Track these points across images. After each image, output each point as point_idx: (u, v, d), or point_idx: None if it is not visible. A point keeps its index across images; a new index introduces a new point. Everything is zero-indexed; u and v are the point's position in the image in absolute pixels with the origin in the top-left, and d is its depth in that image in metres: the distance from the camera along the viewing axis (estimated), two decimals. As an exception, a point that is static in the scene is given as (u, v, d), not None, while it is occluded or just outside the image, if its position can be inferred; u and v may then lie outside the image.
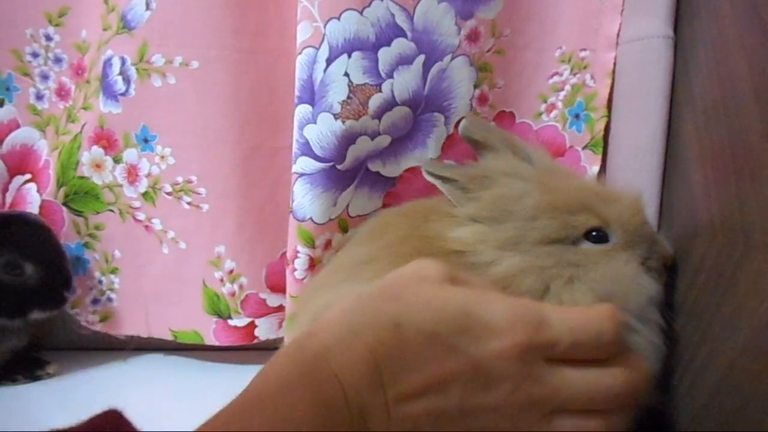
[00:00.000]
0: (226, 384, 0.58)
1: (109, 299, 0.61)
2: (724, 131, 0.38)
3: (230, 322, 0.59)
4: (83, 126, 0.58)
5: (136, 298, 0.61)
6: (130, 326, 0.61)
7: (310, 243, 0.52)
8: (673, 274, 0.42)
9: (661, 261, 0.41)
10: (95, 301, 0.61)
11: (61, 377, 0.60)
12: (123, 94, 0.56)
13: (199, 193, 0.57)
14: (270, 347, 0.54)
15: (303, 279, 0.53)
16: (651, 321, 0.39)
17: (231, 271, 0.58)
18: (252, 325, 0.59)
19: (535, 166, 0.43)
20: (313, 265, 0.53)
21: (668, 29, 0.49)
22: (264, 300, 0.59)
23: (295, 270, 0.53)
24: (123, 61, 0.55)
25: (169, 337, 0.60)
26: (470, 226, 0.41)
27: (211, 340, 0.59)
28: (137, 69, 0.55)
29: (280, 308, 0.60)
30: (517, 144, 0.45)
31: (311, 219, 0.51)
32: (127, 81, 0.55)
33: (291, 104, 0.53)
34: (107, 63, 0.56)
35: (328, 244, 0.53)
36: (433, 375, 0.31)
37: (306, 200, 0.51)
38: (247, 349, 0.62)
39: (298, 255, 0.53)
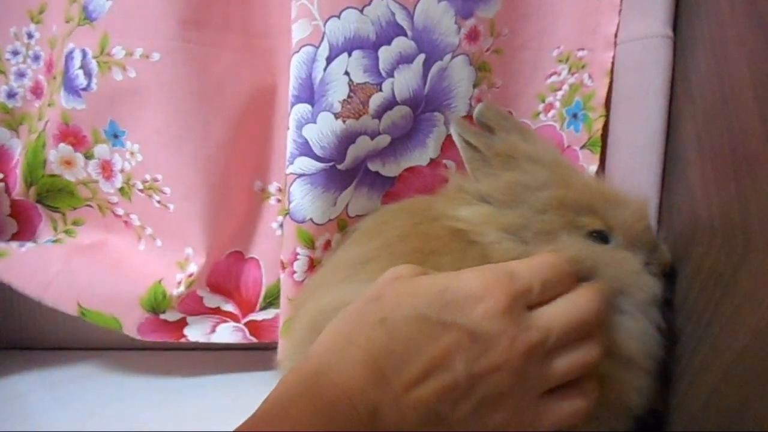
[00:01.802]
0: (225, 382, 0.59)
1: (21, 245, 0.57)
2: (724, 131, 0.38)
3: (161, 316, 0.56)
4: (46, 123, 0.57)
5: (52, 260, 0.56)
6: (21, 279, 0.56)
7: (310, 244, 0.52)
8: (670, 281, 0.42)
9: (660, 267, 0.41)
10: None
11: (60, 377, 0.60)
12: (85, 89, 0.54)
13: (165, 192, 0.55)
14: (269, 347, 0.54)
15: (302, 281, 0.53)
16: (651, 318, 0.39)
17: (190, 275, 0.56)
18: (182, 322, 0.57)
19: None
20: (312, 266, 0.52)
21: (667, 29, 0.49)
22: (201, 298, 0.57)
23: (294, 272, 0.52)
24: (84, 54, 0.53)
25: (73, 311, 0.55)
26: (477, 207, 0.41)
27: (131, 332, 0.56)
28: (98, 62, 0.53)
29: (217, 311, 0.58)
30: (532, 135, 0.45)
31: (311, 220, 0.51)
32: (88, 75, 0.53)
33: (255, 102, 0.51)
34: (69, 56, 0.54)
35: (327, 245, 0.53)
36: (433, 354, 0.32)
37: (306, 201, 0.50)
38: (244, 349, 0.62)
39: (298, 257, 0.52)
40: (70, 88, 0.54)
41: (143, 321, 0.56)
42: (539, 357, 0.34)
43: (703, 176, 0.41)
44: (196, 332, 0.57)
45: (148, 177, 0.55)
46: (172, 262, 0.56)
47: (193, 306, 0.57)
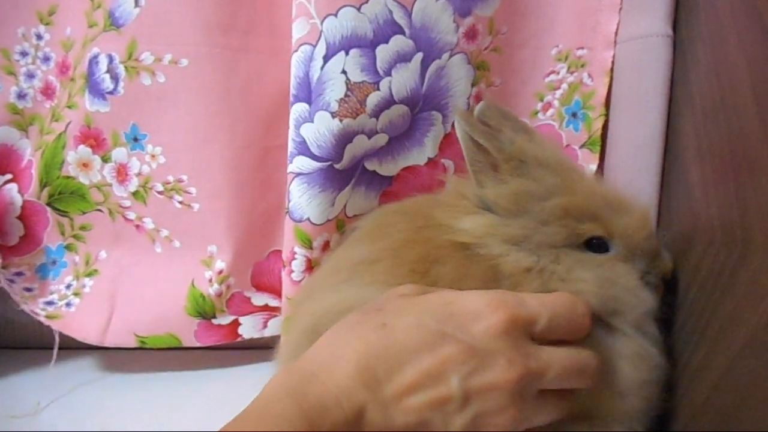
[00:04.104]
0: (219, 384, 0.59)
1: (68, 304, 0.59)
2: (723, 130, 0.38)
3: (214, 321, 0.58)
4: (68, 125, 0.57)
5: (100, 304, 0.59)
6: (80, 332, 0.58)
7: (308, 244, 0.52)
8: (672, 289, 0.41)
9: (660, 276, 0.41)
10: (49, 303, 0.60)
11: (60, 377, 0.60)
12: (111, 93, 0.55)
13: (189, 193, 0.56)
14: (265, 346, 0.54)
15: (300, 281, 0.53)
16: (648, 333, 0.39)
17: (220, 272, 0.57)
18: (236, 323, 0.59)
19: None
20: (310, 266, 0.52)
21: (667, 28, 0.49)
22: (249, 298, 0.59)
23: (291, 272, 0.53)
24: (110, 59, 0.54)
25: (133, 344, 0.58)
26: (480, 216, 0.40)
27: (191, 341, 0.58)
28: (126, 67, 0.54)
29: (266, 307, 0.59)
30: (536, 135, 0.43)
31: (308, 219, 0.51)
32: (115, 79, 0.54)
33: (282, 103, 0.52)
34: (93, 61, 0.55)
35: (326, 246, 0.53)
36: (429, 364, 0.32)
37: (303, 200, 0.50)
38: (240, 348, 0.62)
39: (295, 256, 0.52)
40: (96, 91, 0.55)
41: (197, 328, 0.58)
42: (533, 388, 0.34)
43: (703, 176, 0.40)
44: (249, 330, 0.59)
45: (171, 178, 0.56)
46: (197, 261, 0.58)
47: (242, 307, 0.59)
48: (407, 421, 0.31)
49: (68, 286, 0.60)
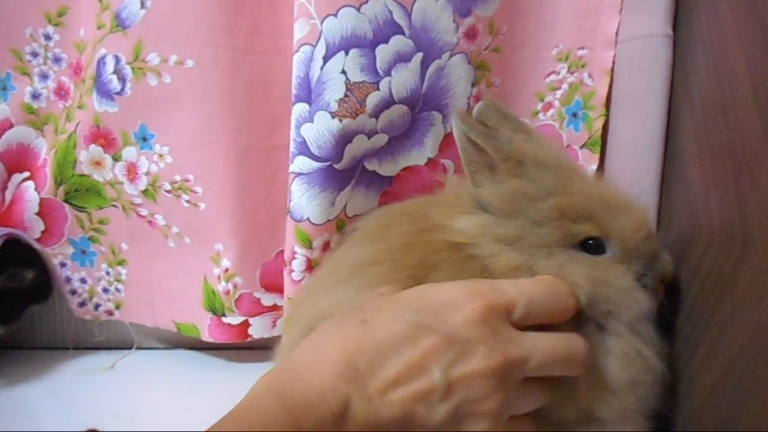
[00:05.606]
0: (218, 385, 0.59)
1: (117, 290, 0.63)
2: (723, 130, 0.38)
3: (224, 319, 0.59)
4: (77, 125, 0.58)
5: (143, 289, 0.62)
6: (137, 315, 0.63)
7: (308, 244, 0.52)
8: (672, 291, 0.41)
9: (658, 279, 0.40)
10: (105, 290, 0.63)
11: (60, 377, 0.60)
12: (119, 93, 0.55)
13: (196, 192, 0.57)
14: (268, 346, 0.54)
15: (300, 280, 0.53)
16: (643, 336, 0.39)
17: (226, 270, 0.58)
18: (245, 324, 0.60)
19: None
20: (310, 266, 0.53)
21: (667, 28, 0.49)
22: (258, 299, 0.59)
23: (292, 271, 0.53)
24: (117, 60, 0.55)
25: (172, 328, 0.62)
26: (474, 216, 0.40)
27: (206, 336, 0.60)
28: (132, 68, 0.55)
29: (275, 307, 0.60)
30: (535, 135, 0.43)
31: (308, 219, 0.51)
32: (122, 80, 0.55)
33: (286, 103, 0.53)
34: (101, 62, 0.55)
35: (326, 246, 0.53)
36: (410, 357, 0.32)
37: (303, 200, 0.51)
38: (242, 348, 0.62)
39: (296, 256, 0.52)
40: (104, 92, 0.56)
41: (210, 323, 0.60)
42: (517, 376, 0.34)
43: (702, 175, 0.40)
44: (259, 330, 0.60)
45: (177, 178, 0.57)
46: (206, 258, 0.59)
47: (252, 308, 0.60)
48: (393, 413, 0.31)
49: (107, 273, 0.63)
